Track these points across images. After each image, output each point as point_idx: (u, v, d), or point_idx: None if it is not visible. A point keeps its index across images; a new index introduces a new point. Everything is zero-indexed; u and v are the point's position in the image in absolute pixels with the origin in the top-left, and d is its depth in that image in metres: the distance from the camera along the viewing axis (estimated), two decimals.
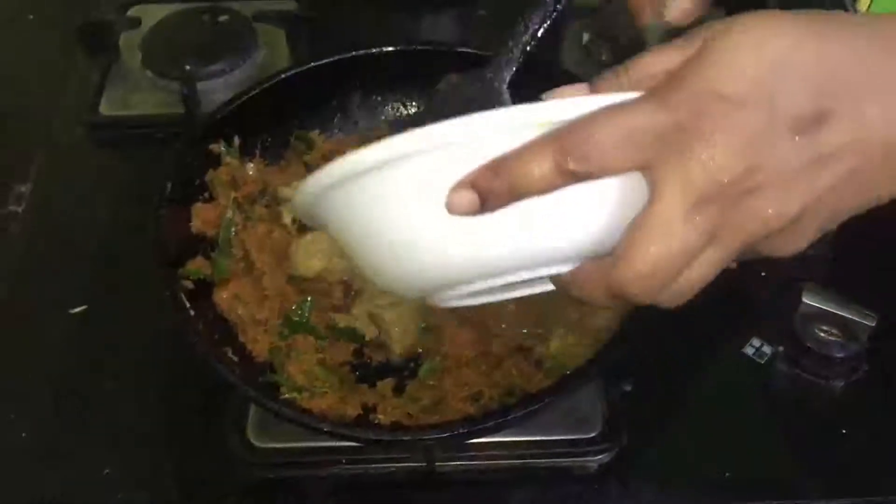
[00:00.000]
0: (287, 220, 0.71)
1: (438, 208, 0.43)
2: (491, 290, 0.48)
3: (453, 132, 0.42)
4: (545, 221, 0.43)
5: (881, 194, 0.44)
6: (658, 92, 0.42)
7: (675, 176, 0.41)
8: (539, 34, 0.57)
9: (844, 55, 0.42)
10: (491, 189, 0.42)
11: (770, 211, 0.42)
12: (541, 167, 0.41)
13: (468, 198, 0.42)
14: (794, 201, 0.42)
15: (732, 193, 0.41)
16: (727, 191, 0.41)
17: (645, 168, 0.42)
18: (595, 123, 0.41)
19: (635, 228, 0.42)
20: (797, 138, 0.41)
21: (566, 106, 0.43)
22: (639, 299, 0.43)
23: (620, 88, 0.45)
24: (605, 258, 0.44)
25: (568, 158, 0.41)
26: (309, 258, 0.68)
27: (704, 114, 0.41)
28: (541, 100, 0.47)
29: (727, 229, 0.42)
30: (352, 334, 0.68)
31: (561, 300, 0.68)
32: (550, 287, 0.48)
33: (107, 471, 0.66)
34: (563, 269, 0.45)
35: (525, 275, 0.45)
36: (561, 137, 0.41)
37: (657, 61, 0.45)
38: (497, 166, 0.42)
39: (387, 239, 0.45)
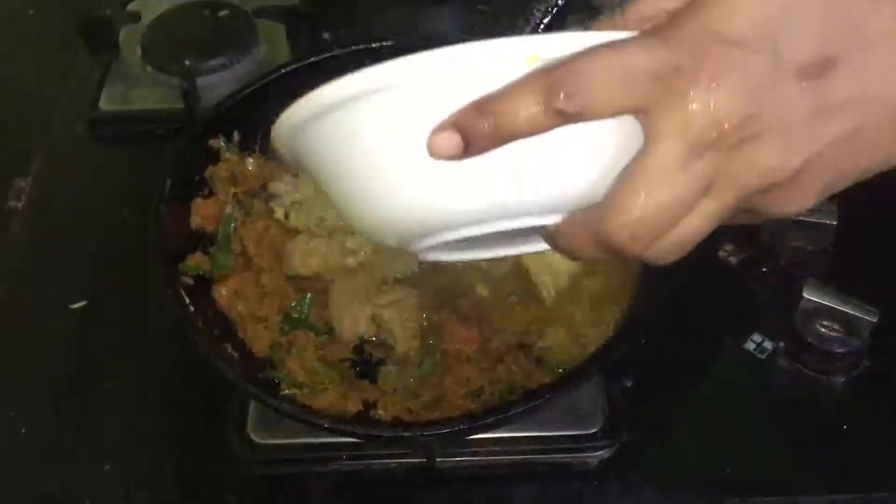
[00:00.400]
0: (279, 214, 0.71)
1: (418, 148, 0.40)
2: (475, 243, 0.45)
3: (435, 62, 0.39)
4: (532, 166, 0.41)
5: (890, 157, 0.42)
6: (657, 31, 0.40)
7: (672, 120, 0.39)
8: (541, 29, 0.57)
9: (855, 1, 0.40)
10: (475, 130, 0.39)
11: (771, 161, 0.39)
12: (528, 106, 0.39)
13: (451, 140, 0.39)
14: (796, 153, 0.39)
15: (732, 141, 0.39)
16: (726, 138, 0.39)
17: (640, 111, 0.39)
18: (588, 60, 0.39)
19: (627, 175, 0.40)
20: (802, 85, 0.39)
21: (558, 40, 0.40)
22: (627, 251, 0.41)
23: (616, 29, 0.42)
24: (594, 208, 0.41)
25: (558, 96, 0.38)
26: (305, 258, 0.68)
27: (705, 55, 0.38)
28: None
29: (725, 179, 0.39)
30: None
31: (558, 299, 0.68)
32: (540, 247, 0.46)
33: (107, 468, 0.66)
34: (551, 220, 0.43)
35: (509, 224, 0.43)
36: (550, 74, 0.39)
37: (656, 1, 0.43)
38: (482, 105, 0.39)
39: (363, 179, 0.43)
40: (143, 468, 0.67)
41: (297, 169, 0.72)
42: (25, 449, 0.67)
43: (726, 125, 0.38)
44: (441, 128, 0.40)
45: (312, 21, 0.97)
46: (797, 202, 0.42)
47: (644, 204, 0.39)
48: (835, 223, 0.76)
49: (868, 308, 0.70)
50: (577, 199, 0.42)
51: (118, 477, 0.65)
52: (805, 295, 0.70)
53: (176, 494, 0.66)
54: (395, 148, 0.41)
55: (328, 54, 0.79)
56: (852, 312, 0.70)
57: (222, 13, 0.97)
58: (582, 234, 0.42)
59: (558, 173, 0.41)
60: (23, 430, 0.68)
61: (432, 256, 0.47)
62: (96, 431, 0.68)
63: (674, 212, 0.40)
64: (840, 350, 0.70)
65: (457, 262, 0.48)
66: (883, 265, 0.77)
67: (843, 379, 0.70)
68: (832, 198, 0.43)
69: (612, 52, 0.39)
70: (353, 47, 0.79)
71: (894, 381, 0.70)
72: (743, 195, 0.40)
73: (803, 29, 0.39)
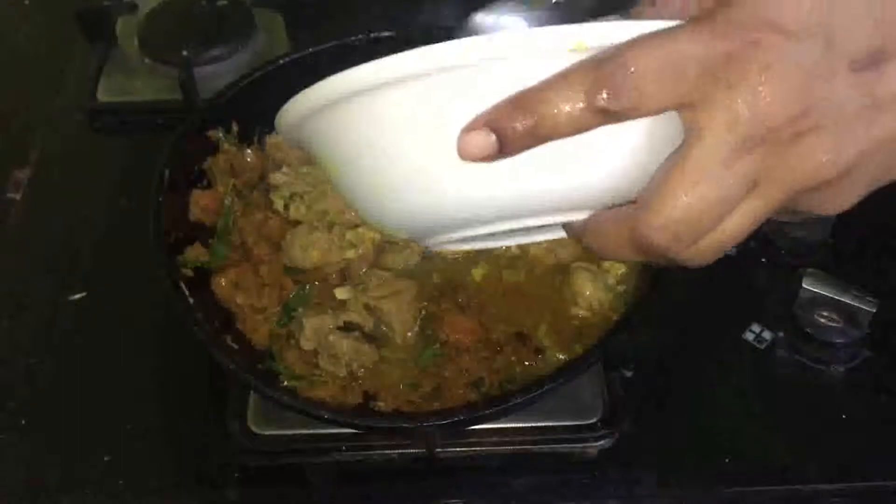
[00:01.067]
0: (279, 206, 0.71)
1: (445, 142, 0.37)
2: (491, 237, 0.43)
3: (470, 50, 0.36)
4: (563, 164, 0.38)
5: None
6: (704, 19, 0.37)
7: (719, 114, 0.36)
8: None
9: None
10: (512, 130, 0.36)
11: (823, 158, 0.37)
12: (571, 105, 0.36)
13: (484, 141, 0.36)
14: (849, 148, 0.37)
15: (782, 137, 0.36)
16: (777, 133, 0.36)
17: (685, 105, 0.37)
18: (637, 51, 0.36)
19: (668, 172, 0.37)
20: (855, 78, 0.37)
21: (603, 30, 0.37)
22: (663, 253, 0.38)
23: (660, 17, 0.39)
24: (624, 207, 0.39)
25: (604, 93, 0.36)
26: (305, 250, 0.68)
27: (756, 44, 0.36)
28: None
29: (772, 177, 0.37)
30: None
31: (551, 290, 0.68)
32: (557, 235, 0.44)
33: (107, 458, 0.66)
34: (576, 217, 0.41)
35: (532, 222, 0.40)
36: (596, 67, 0.36)
37: None
38: (521, 100, 0.36)
39: (370, 172, 0.40)
40: (143, 459, 0.67)
41: (298, 154, 0.73)
42: (25, 438, 0.67)
43: (777, 120, 0.36)
44: (474, 126, 0.37)
45: (311, 11, 0.97)
46: (841, 200, 0.40)
47: (687, 204, 0.37)
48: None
49: (867, 298, 0.70)
50: (606, 197, 0.39)
51: (118, 465, 0.65)
52: (804, 285, 0.70)
53: (175, 484, 0.66)
54: (420, 140, 0.38)
55: (327, 44, 0.78)
56: (852, 303, 0.70)
57: (220, 3, 0.97)
58: (615, 233, 0.40)
59: (591, 169, 0.38)
60: (23, 422, 0.68)
61: (442, 247, 0.45)
62: (96, 422, 0.68)
63: (716, 212, 0.37)
64: (839, 340, 0.70)
65: (467, 249, 0.46)
66: (882, 256, 0.77)
67: (842, 369, 0.70)
68: None
69: (661, 43, 0.36)
70: (353, 38, 0.79)
71: (893, 371, 0.70)
72: (790, 193, 0.38)
73: (857, 18, 0.37)
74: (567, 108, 0.36)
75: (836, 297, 0.70)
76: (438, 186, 0.39)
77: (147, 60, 0.93)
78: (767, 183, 0.37)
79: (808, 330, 0.70)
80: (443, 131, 0.37)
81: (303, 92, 0.41)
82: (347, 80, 0.39)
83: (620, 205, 0.40)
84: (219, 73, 0.90)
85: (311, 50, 0.78)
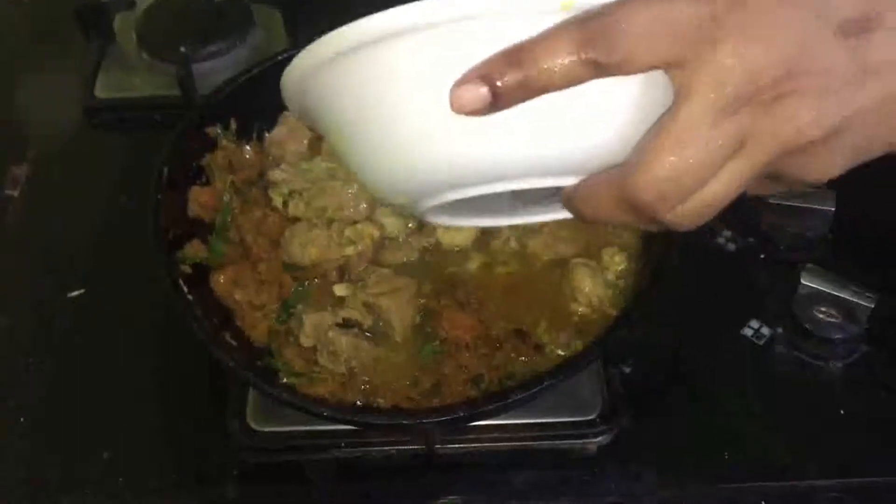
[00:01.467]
0: (277, 203, 0.71)
1: (436, 97, 0.38)
2: (484, 207, 0.44)
3: (465, 3, 0.37)
4: (555, 122, 0.39)
5: None
6: None
7: (707, 74, 0.36)
8: None
9: None
10: (504, 82, 0.37)
11: (807, 118, 0.37)
12: (563, 57, 0.36)
13: (477, 93, 0.37)
14: (833, 111, 0.38)
15: (768, 97, 0.37)
16: (763, 93, 0.37)
17: (674, 64, 0.37)
18: (629, 8, 0.37)
19: (656, 132, 0.38)
20: (843, 42, 0.37)
21: None
22: (653, 211, 0.39)
23: None
24: (618, 167, 0.39)
25: (596, 46, 0.36)
26: (304, 247, 0.68)
27: (745, 5, 0.36)
28: None
29: (758, 136, 0.38)
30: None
31: (550, 286, 0.69)
32: (551, 216, 0.44)
33: (106, 456, 0.66)
34: (567, 182, 0.41)
35: (523, 184, 0.41)
36: (590, 22, 0.37)
37: None
38: (512, 54, 0.37)
39: (380, 127, 0.40)
40: (143, 456, 0.67)
41: (297, 151, 0.73)
42: (25, 434, 0.67)
43: (764, 79, 0.37)
44: (466, 79, 0.37)
45: (308, 7, 0.97)
46: (824, 168, 0.40)
47: (674, 162, 0.37)
48: (833, 209, 0.76)
49: (866, 294, 0.70)
50: (599, 158, 0.40)
51: (118, 463, 0.66)
52: (803, 281, 0.71)
53: (175, 481, 0.66)
54: (422, 93, 0.39)
55: None
56: (850, 298, 0.70)
57: None
58: (605, 194, 0.40)
59: (582, 130, 0.39)
60: (21, 419, 0.68)
61: (437, 219, 0.45)
62: (95, 419, 0.68)
63: (704, 170, 0.38)
64: (838, 336, 0.70)
65: (460, 226, 0.47)
66: (881, 251, 0.77)
67: (840, 365, 0.70)
68: (829, 184, 0.42)
69: (652, 1, 0.37)
70: None
71: (892, 367, 0.70)
72: (775, 154, 0.38)
73: None
74: (559, 60, 0.37)
75: (835, 293, 0.70)
76: (436, 139, 0.39)
77: (145, 57, 0.93)
78: (753, 143, 0.38)
79: (807, 325, 0.70)
80: (435, 84, 0.38)
81: (313, 43, 0.42)
82: (356, 29, 0.39)
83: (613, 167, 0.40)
84: (217, 69, 0.90)
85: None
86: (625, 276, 0.69)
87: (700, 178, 0.38)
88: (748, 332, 0.72)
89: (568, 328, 0.67)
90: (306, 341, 0.65)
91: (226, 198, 0.72)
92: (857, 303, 0.70)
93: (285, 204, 0.71)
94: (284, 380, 0.64)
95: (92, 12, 0.96)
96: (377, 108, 0.41)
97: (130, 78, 0.92)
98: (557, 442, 0.65)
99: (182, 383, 0.70)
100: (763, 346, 0.71)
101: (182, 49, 0.91)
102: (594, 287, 0.67)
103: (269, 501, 0.66)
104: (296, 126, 0.76)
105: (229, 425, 0.65)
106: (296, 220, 0.70)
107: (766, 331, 0.72)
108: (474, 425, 0.64)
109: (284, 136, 0.76)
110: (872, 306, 0.69)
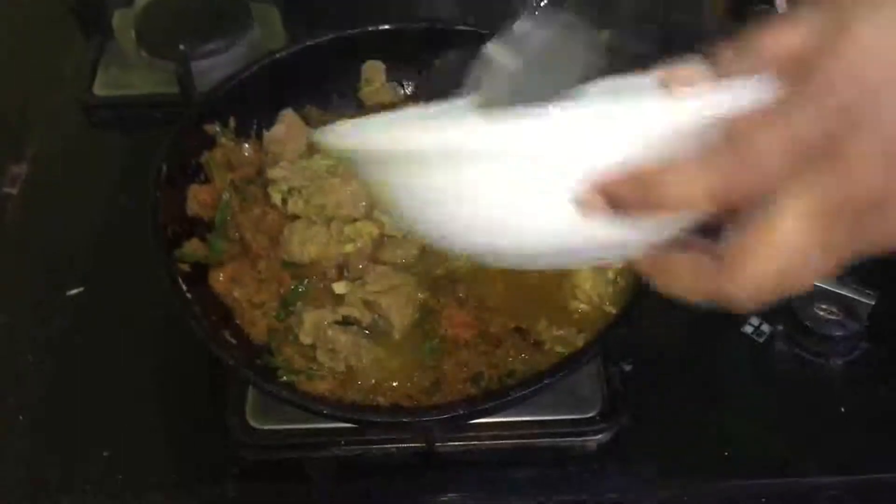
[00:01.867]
0: (276, 200, 0.71)
1: (547, 197, 0.38)
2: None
3: (573, 131, 0.37)
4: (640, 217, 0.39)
5: None
6: (801, 85, 0.37)
7: (808, 188, 0.36)
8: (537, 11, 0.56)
9: None
10: (625, 199, 0.38)
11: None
12: (691, 189, 0.37)
13: (598, 203, 0.38)
14: None
15: (862, 207, 0.37)
16: (858, 205, 0.36)
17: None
18: (756, 137, 0.36)
19: (752, 237, 0.38)
20: None
21: (712, 102, 0.37)
22: (739, 305, 0.40)
23: (746, 71, 0.39)
24: (705, 257, 0.40)
25: (730, 190, 0.37)
26: (303, 244, 0.68)
27: (850, 115, 0.35)
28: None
29: (848, 244, 0.38)
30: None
31: (550, 284, 0.68)
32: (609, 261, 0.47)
33: (106, 454, 0.66)
34: (632, 254, 0.43)
35: (593, 256, 0.43)
36: (720, 157, 0.37)
37: (779, 38, 0.39)
38: (640, 178, 0.38)
39: (462, 216, 0.40)
40: (142, 454, 0.67)
41: (296, 148, 0.72)
42: (24, 435, 0.67)
43: (864, 193, 0.36)
44: (593, 188, 0.38)
45: (307, 4, 0.97)
46: None
47: (767, 272, 0.38)
48: None
49: (866, 291, 0.70)
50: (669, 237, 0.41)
51: (117, 461, 0.66)
52: None
53: (175, 480, 0.66)
54: (517, 199, 0.39)
55: (323, 38, 0.78)
56: (850, 295, 0.70)
57: None
58: (693, 281, 0.41)
59: (663, 222, 0.40)
60: (20, 418, 0.68)
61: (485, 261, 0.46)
62: (95, 418, 0.68)
63: (794, 276, 0.38)
64: (838, 333, 0.70)
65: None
66: None
67: (840, 362, 0.70)
68: None
69: (776, 123, 0.36)
70: (349, 31, 0.79)
71: (892, 363, 0.70)
72: (863, 255, 0.39)
73: None
74: (686, 190, 0.38)
75: (835, 290, 0.70)
76: (521, 231, 0.40)
77: (144, 54, 0.93)
78: (843, 248, 0.38)
79: (807, 323, 0.70)
80: (536, 198, 0.39)
81: (371, 133, 0.42)
82: (431, 142, 0.38)
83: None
84: (215, 66, 0.90)
85: (308, 43, 0.78)
86: (624, 274, 0.69)
87: (789, 283, 0.39)
88: (748, 329, 0.72)
89: (568, 326, 0.67)
90: (306, 339, 0.65)
91: (225, 196, 0.72)
92: (857, 300, 0.70)
93: (284, 201, 0.71)
94: (284, 378, 0.64)
95: (90, 10, 0.96)
96: (450, 205, 0.40)
97: (129, 76, 0.92)
98: (557, 440, 0.65)
99: (181, 382, 0.70)
100: (763, 344, 0.71)
101: (181, 47, 0.90)
102: (594, 284, 0.67)
103: (268, 499, 0.66)
104: (294, 123, 0.76)
105: (229, 423, 0.65)
106: (295, 217, 0.70)
107: (766, 328, 0.71)
108: (474, 423, 0.64)
109: (283, 133, 0.76)
110: (873, 303, 0.69)
